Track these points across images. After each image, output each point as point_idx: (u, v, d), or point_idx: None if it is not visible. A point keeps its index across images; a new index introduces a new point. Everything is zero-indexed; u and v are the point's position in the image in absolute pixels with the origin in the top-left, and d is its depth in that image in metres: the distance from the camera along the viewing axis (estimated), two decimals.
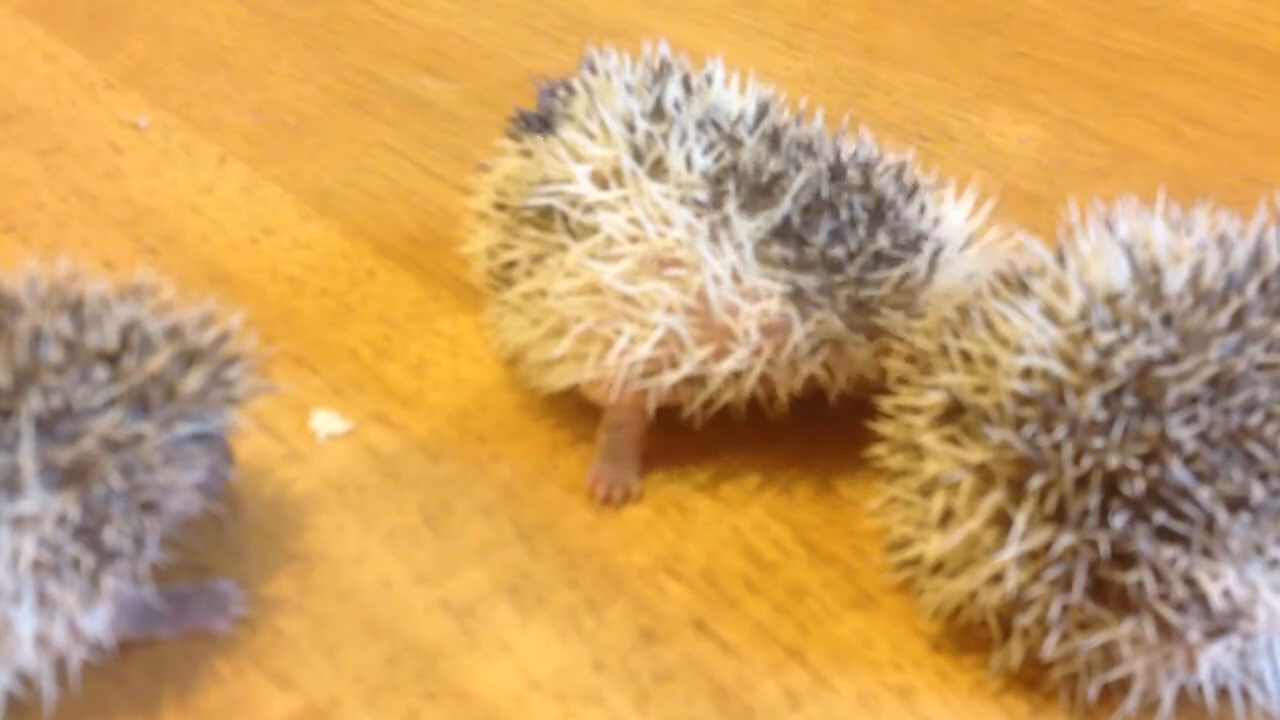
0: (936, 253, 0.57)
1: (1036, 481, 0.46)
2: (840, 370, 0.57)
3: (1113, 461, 0.46)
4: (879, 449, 0.54)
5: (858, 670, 0.53)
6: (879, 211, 0.56)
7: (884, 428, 0.54)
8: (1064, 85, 0.92)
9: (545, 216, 0.59)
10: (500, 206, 0.61)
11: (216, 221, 0.77)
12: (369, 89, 0.90)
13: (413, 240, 0.75)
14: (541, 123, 0.61)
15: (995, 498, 0.48)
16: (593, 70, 0.62)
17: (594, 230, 0.57)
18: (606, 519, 0.59)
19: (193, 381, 0.50)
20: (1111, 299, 0.48)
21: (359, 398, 0.65)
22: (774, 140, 0.57)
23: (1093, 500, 0.46)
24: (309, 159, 0.82)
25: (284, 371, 0.66)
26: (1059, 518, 0.46)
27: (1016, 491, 0.47)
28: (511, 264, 0.60)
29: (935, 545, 0.49)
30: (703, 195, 0.56)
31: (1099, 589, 0.47)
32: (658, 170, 0.57)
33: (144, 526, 0.49)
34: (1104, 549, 0.46)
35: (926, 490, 0.50)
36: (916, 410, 0.51)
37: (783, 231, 0.55)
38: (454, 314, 0.69)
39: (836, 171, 0.57)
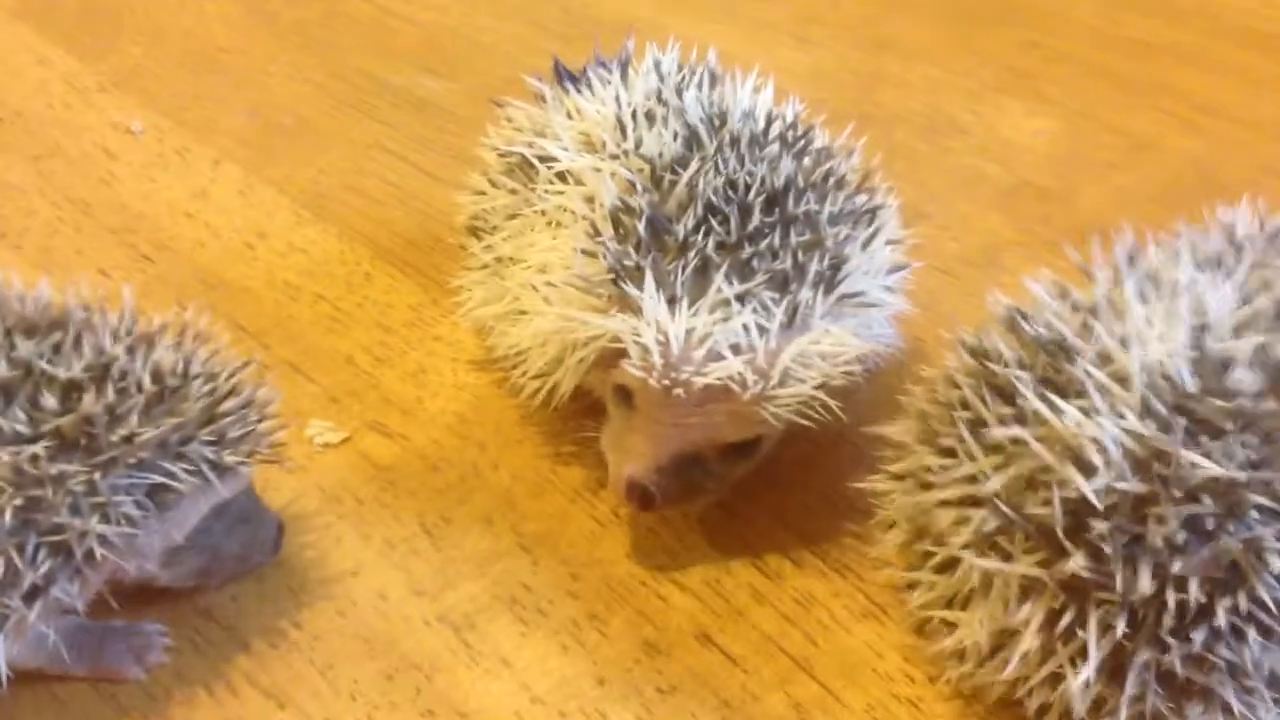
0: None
1: (1101, 596, 0.42)
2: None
3: (1196, 587, 0.41)
4: (882, 515, 0.50)
5: (868, 682, 0.51)
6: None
7: (887, 494, 0.50)
8: (1077, 76, 0.90)
9: (524, 169, 0.58)
10: (495, 149, 0.62)
11: (211, 227, 0.75)
12: (366, 89, 0.89)
13: (411, 244, 0.74)
14: (570, 77, 0.62)
15: (1045, 604, 0.43)
16: (657, 61, 0.61)
17: (558, 194, 0.56)
18: (609, 528, 0.57)
19: (148, 432, 0.46)
20: (1182, 401, 0.43)
21: (356, 406, 0.63)
22: (735, 146, 0.55)
23: (1169, 620, 0.42)
24: (305, 161, 0.81)
25: (279, 379, 0.64)
26: (1132, 632, 0.42)
27: (1077, 607, 0.43)
28: (488, 215, 0.60)
29: (966, 633, 0.46)
30: (643, 179, 0.54)
31: (1164, 681, 0.43)
32: (624, 146, 0.56)
33: (53, 568, 0.45)
34: (1180, 663, 0.42)
35: (947, 568, 0.46)
36: (927, 487, 0.47)
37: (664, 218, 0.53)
38: (453, 319, 0.68)
39: (744, 196, 0.53)
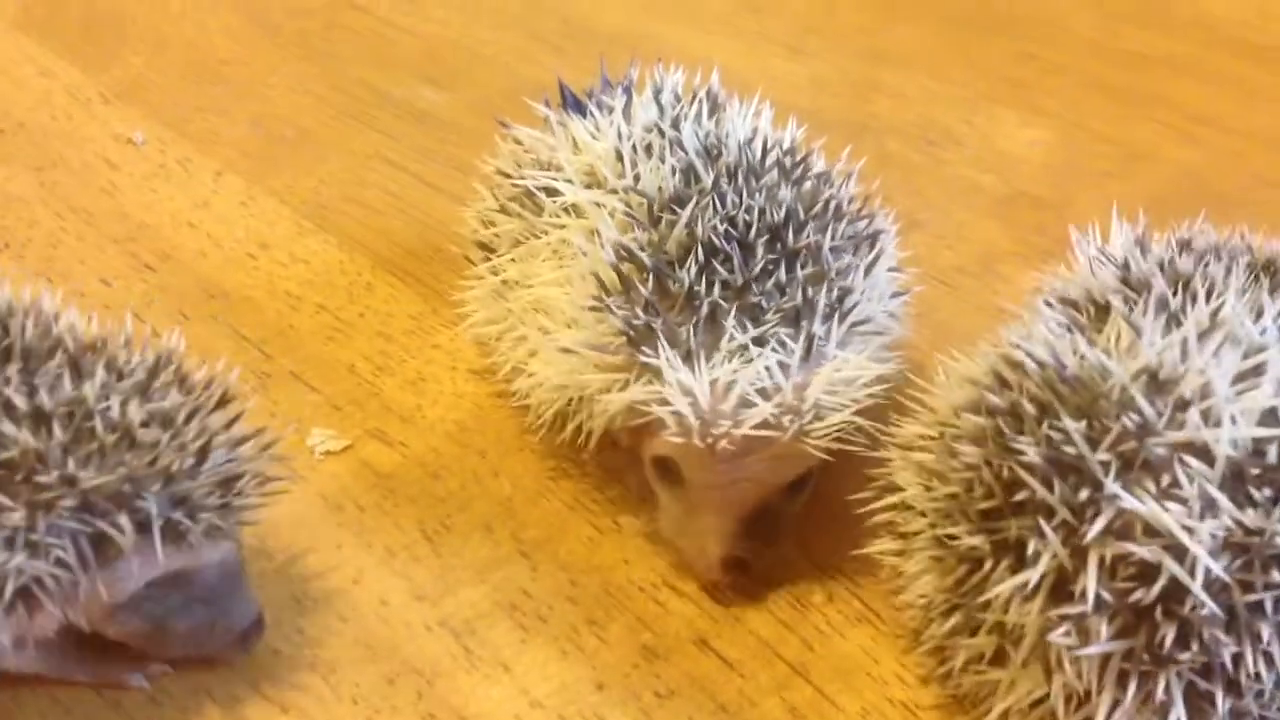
0: None
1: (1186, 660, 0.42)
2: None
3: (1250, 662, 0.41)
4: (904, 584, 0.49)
5: (862, 686, 0.52)
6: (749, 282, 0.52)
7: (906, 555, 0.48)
8: (1072, 87, 0.90)
9: (531, 199, 0.58)
10: (503, 173, 0.62)
11: (213, 237, 0.76)
12: (367, 100, 0.89)
13: (411, 254, 0.74)
14: (575, 104, 0.62)
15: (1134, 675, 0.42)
16: (657, 89, 0.61)
17: (560, 227, 0.56)
18: (608, 535, 0.58)
19: (93, 478, 0.44)
20: (1271, 474, 0.42)
21: (357, 414, 0.64)
22: (732, 178, 0.55)
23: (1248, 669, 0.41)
24: (307, 172, 0.82)
25: (281, 389, 0.65)
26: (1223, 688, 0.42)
27: (1164, 674, 0.42)
28: (495, 237, 0.60)
29: (1025, 690, 0.45)
30: (642, 216, 0.54)
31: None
32: (623, 178, 0.56)
33: None
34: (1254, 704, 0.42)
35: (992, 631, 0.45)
36: (976, 559, 0.45)
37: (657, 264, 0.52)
38: (453, 328, 0.68)
39: (744, 235, 0.53)
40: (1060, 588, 0.42)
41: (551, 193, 0.58)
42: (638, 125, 0.58)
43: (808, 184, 0.56)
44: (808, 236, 0.53)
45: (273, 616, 0.54)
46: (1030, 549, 0.42)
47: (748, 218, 0.53)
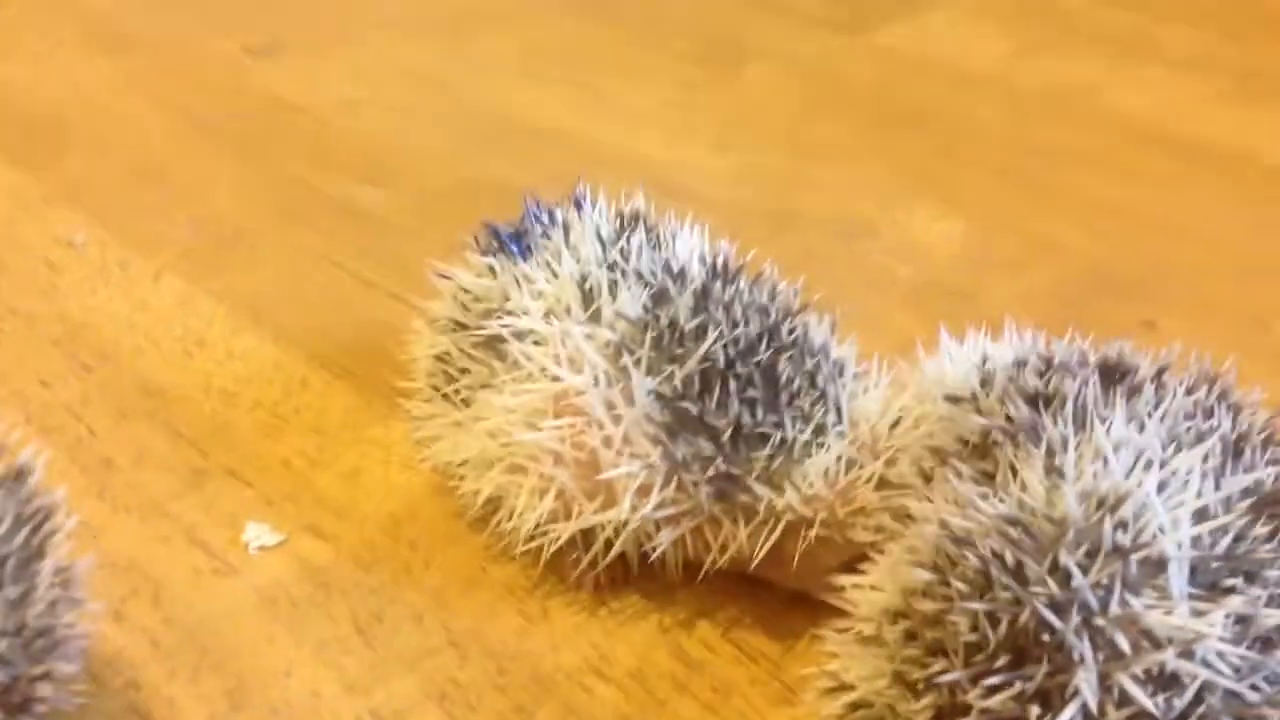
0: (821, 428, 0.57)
1: None
2: (711, 543, 0.57)
3: None
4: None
5: None
6: (777, 387, 0.56)
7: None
8: (984, 180, 0.94)
9: (496, 343, 0.60)
10: (458, 323, 0.62)
11: (151, 336, 0.78)
12: (305, 199, 0.92)
13: (346, 349, 0.76)
14: (517, 245, 0.62)
15: None
16: (578, 206, 0.64)
17: (522, 365, 0.58)
18: (536, 623, 0.59)
19: None
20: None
21: (291, 508, 0.65)
22: (703, 296, 0.58)
23: None
24: (245, 271, 0.84)
25: (216, 485, 0.67)
26: None
27: None
28: (457, 377, 0.61)
29: None
30: (615, 337, 0.57)
31: None
32: (593, 314, 0.58)
33: None
34: None
35: None
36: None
37: (673, 393, 0.56)
38: (387, 421, 0.70)
39: (747, 339, 0.57)
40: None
41: (519, 335, 0.59)
42: (590, 262, 0.60)
43: (767, 288, 0.60)
44: (793, 331, 0.58)
45: (206, 710, 0.55)
46: (1070, 688, 0.41)
47: (749, 335, 0.57)
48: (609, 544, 0.57)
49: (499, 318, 0.60)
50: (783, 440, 0.56)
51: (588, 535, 0.58)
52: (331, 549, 0.63)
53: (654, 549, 0.57)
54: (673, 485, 0.56)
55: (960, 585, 0.43)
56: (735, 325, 0.57)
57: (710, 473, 0.55)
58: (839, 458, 0.55)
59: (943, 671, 0.43)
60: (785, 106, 1.06)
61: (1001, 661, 0.42)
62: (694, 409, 0.55)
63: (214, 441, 0.69)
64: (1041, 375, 0.50)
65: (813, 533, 0.55)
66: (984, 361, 0.53)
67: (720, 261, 0.60)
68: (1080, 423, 0.47)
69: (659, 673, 0.57)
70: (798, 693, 0.56)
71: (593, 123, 1.03)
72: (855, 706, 0.46)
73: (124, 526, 0.65)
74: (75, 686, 0.50)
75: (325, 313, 0.80)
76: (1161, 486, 0.44)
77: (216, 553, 0.63)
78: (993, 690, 0.42)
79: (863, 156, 0.98)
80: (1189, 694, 0.41)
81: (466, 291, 0.63)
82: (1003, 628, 0.42)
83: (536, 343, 0.58)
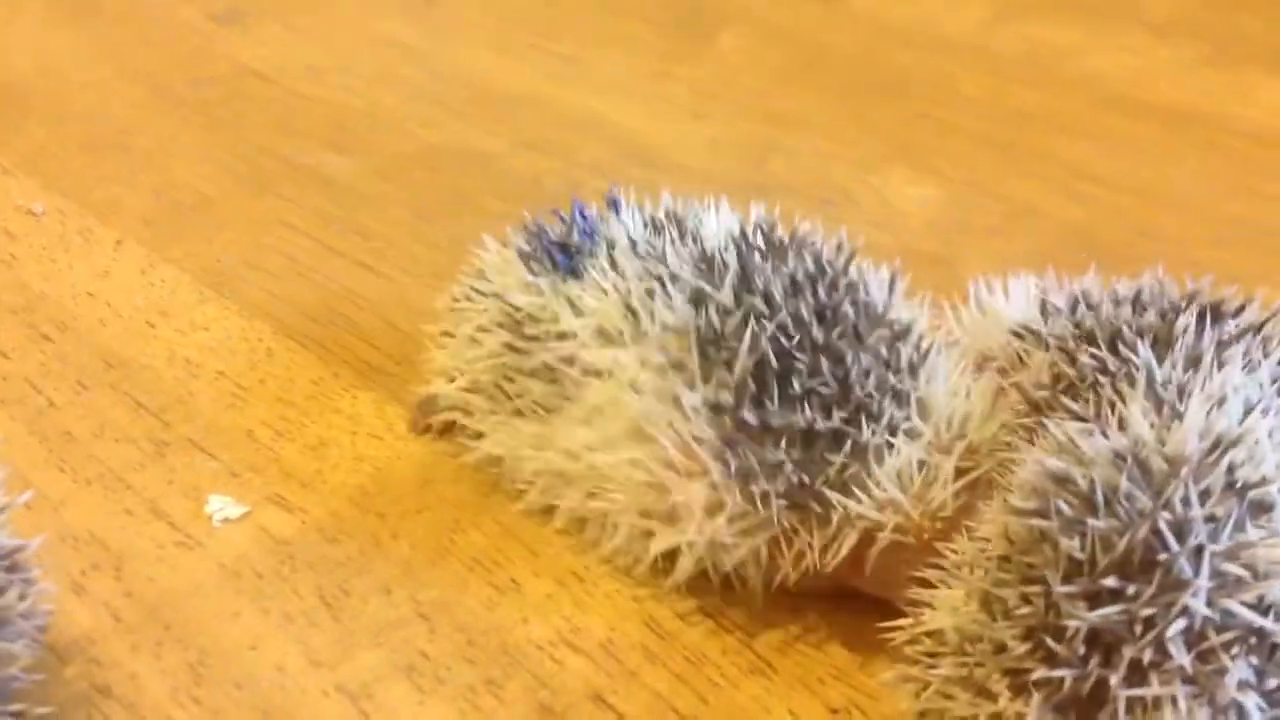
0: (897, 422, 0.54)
1: None
2: (786, 557, 0.54)
3: None
4: None
5: None
6: (845, 381, 0.53)
7: None
8: (961, 146, 0.93)
9: (549, 370, 0.58)
10: (509, 346, 0.60)
11: (112, 306, 0.76)
12: (269, 167, 0.90)
13: (312, 319, 0.75)
14: (568, 266, 0.59)
15: None
16: (614, 208, 0.61)
17: (583, 395, 0.57)
18: (507, 594, 0.58)
19: None
20: None
21: (256, 480, 0.64)
22: (741, 283, 0.55)
23: None
24: (207, 240, 0.82)
25: (179, 457, 0.65)
26: None
27: None
28: (518, 394, 0.60)
29: None
30: (663, 359, 0.55)
31: None
32: (639, 334, 0.56)
33: None
34: None
35: None
36: None
37: (728, 401, 0.53)
38: (354, 392, 0.69)
39: (797, 323, 0.54)
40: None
41: (569, 360, 0.57)
42: (630, 277, 0.57)
43: (823, 256, 0.57)
44: (836, 297, 0.55)
45: (169, 684, 0.54)
46: (1176, 607, 0.42)
47: (794, 318, 0.54)
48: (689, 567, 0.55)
49: (549, 340, 0.58)
50: (854, 443, 0.52)
51: (671, 558, 0.56)
52: (297, 521, 0.62)
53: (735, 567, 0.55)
54: (741, 498, 0.53)
55: (1067, 507, 0.43)
56: (778, 310, 0.54)
57: (780, 483, 0.53)
58: (913, 460, 0.52)
59: (1042, 592, 0.43)
60: (761, 74, 1.05)
61: (1108, 581, 0.42)
62: (753, 416, 0.53)
63: (176, 412, 0.68)
64: (1144, 313, 0.52)
65: (887, 537, 0.52)
66: (1040, 297, 0.56)
67: (754, 237, 0.58)
68: (1192, 363, 0.48)
69: (630, 643, 0.56)
70: (771, 663, 0.55)
71: (565, 89, 1.01)
72: (932, 637, 0.47)
73: (85, 499, 0.63)
74: (24, 663, 0.48)
75: (290, 281, 0.78)
76: (1271, 431, 0.45)
77: (179, 525, 0.62)
78: (1096, 604, 0.42)
79: (839, 123, 0.97)
80: None
81: (517, 309, 0.60)
82: (1113, 548, 0.42)
83: (590, 372, 0.57)
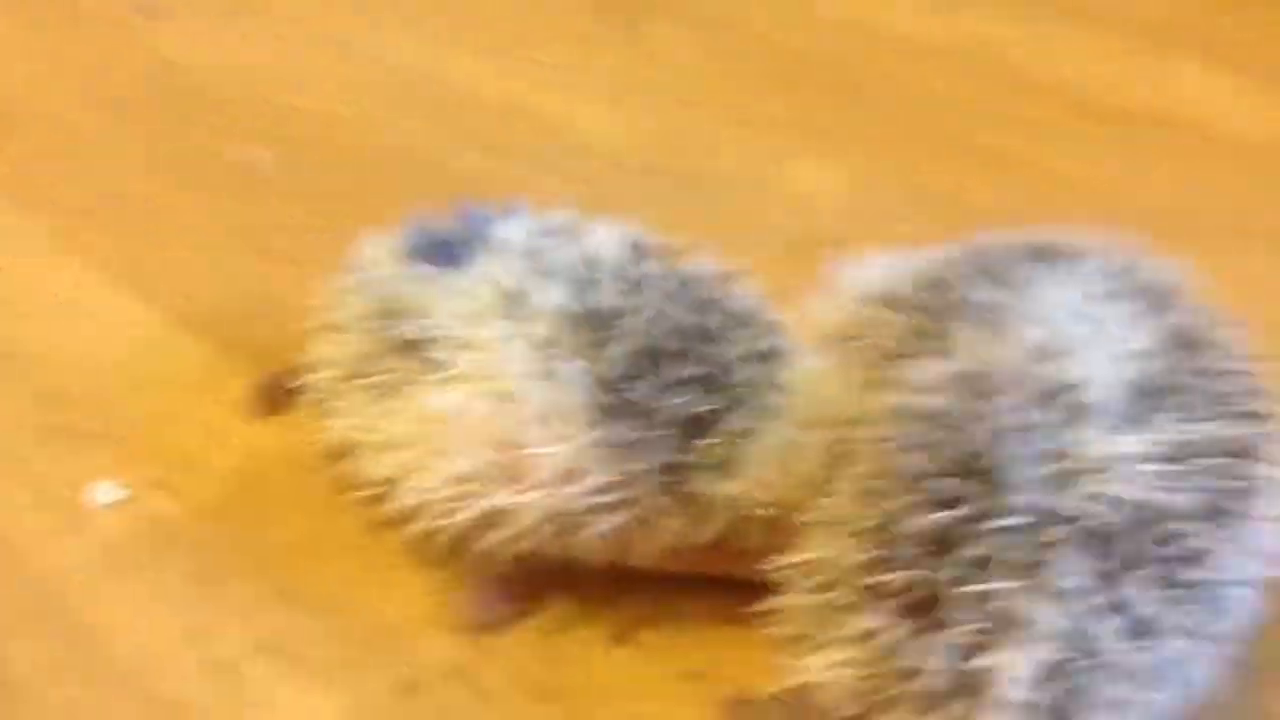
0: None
1: None
2: (647, 538, 0.54)
3: None
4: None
5: (620, 707, 0.53)
6: (721, 367, 0.54)
7: None
8: (873, 133, 0.93)
9: (411, 347, 0.58)
10: (373, 326, 0.59)
11: (10, 297, 0.77)
12: (190, 162, 0.90)
13: (216, 310, 0.75)
14: (448, 258, 0.59)
15: None
16: (506, 215, 0.61)
17: (448, 366, 0.56)
18: (374, 573, 0.59)
19: None
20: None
21: (140, 465, 0.64)
22: (624, 280, 0.56)
23: None
24: (120, 234, 0.82)
25: (65, 442, 0.66)
26: None
27: None
28: (377, 372, 0.59)
29: None
30: (540, 332, 0.55)
31: None
32: (515, 315, 0.56)
33: None
34: None
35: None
36: None
37: (605, 375, 0.54)
38: (241, 378, 0.69)
39: (676, 313, 0.55)
40: None
41: (437, 340, 0.57)
42: (509, 264, 0.58)
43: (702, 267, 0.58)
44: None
45: (46, 662, 0.55)
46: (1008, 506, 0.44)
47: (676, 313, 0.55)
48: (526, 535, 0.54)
49: (418, 321, 0.57)
50: (727, 425, 0.53)
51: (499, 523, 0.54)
52: (178, 505, 0.62)
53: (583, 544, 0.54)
54: (611, 472, 0.53)
55: (905, 430, 0.47)
56: (658, 302, 0.55)
57: (654, 461, 0.53)
58: (784, 438, 0.53)
59: (884, 509, 0.46)
60: (683, 63, 1.05)
61: (941, 486, 0.45)
62: (632, 394, 0.53)
63: (63, 400, 0.69)
64: (970, 265, 0.53)
65: (756, 515, 0.53)
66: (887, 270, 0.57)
67: (639, 243, 0.59)
68: (1013, 287, 0.51)
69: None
70: (635, 634, 0.55)
71: (481, 76, 1.01)
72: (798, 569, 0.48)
73: None
74: None
75: (200, 275, 0.78)
76: (1087, 340, 0.48)
77: (61, 509, 0.62)
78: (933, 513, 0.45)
79: (753, 110, 0.97)
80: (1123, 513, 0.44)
81: (392, 298, 0.59)
82: (943, 458, 0.45)
83: (461, 347, 0.56)
